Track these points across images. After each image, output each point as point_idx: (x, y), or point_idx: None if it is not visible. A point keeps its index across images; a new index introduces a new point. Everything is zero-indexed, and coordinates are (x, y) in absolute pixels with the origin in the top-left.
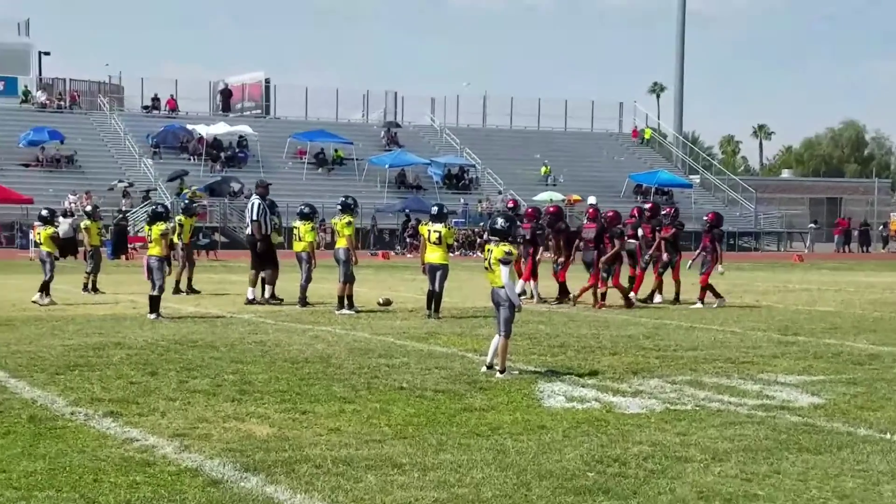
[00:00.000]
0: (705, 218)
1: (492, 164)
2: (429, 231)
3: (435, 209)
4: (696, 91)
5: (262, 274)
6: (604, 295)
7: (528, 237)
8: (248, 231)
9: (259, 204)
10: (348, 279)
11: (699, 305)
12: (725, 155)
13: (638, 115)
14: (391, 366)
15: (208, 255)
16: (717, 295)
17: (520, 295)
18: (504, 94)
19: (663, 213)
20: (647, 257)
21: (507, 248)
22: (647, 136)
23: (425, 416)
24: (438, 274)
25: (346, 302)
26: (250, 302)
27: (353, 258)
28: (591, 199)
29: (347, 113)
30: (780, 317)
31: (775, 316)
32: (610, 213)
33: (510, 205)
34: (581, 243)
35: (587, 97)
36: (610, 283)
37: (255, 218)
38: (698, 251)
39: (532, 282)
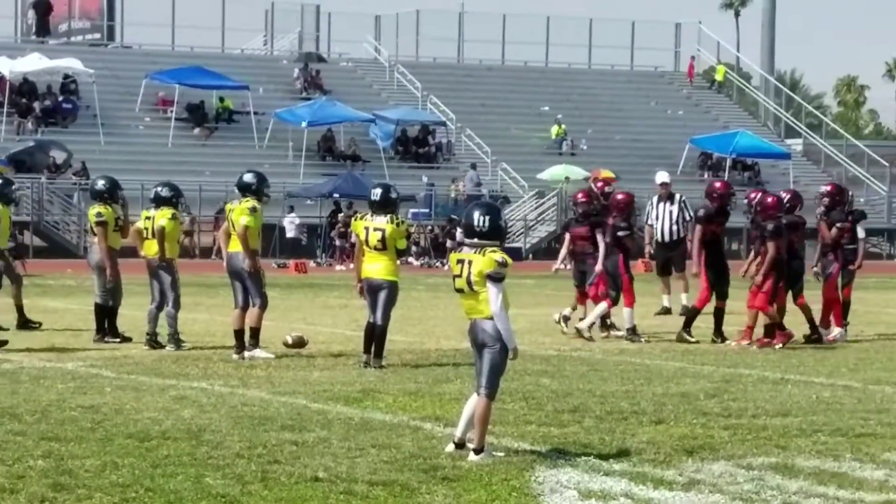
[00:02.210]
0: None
1: (473, 121)
2: (367, 229)
3: (377, 193)
4: (796, 7)
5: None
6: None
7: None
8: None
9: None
10: (265, 301)
11: (837, 334)
12: (844, 107)
13: (704, 43)
14: (301, 443)
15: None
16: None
17: (631, 333)
18: (492, 9)
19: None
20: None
21: (498, 255)
22: (719, 79)
23: None
24: (381, 297)
25: (252, 336)
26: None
27: (258, 268)
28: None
29: (239, 39)
30: None
31: None
32: (770, 200)
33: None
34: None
35: (624, 15)
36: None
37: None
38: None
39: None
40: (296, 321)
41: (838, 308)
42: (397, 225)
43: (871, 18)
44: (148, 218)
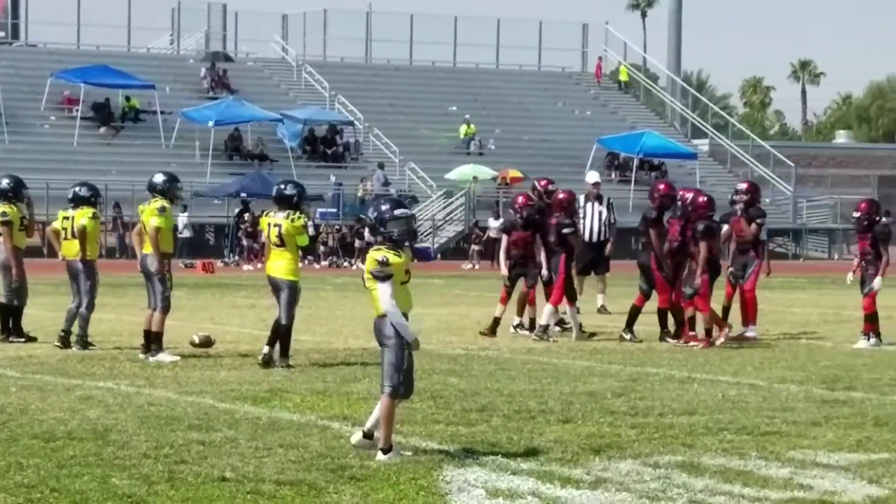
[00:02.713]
0: (857, 213)
1: (381, 120)
2: (269, 225)
3: (276, 189)
4: (702, 8)
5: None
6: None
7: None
8: None
9: None
10: (167, 304)
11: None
12: (750, 108)
13: (611, 43)
14: (208, 443)
15: None
16: (719, 324)
17: (542, 332)
18: (400, 9)
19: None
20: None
21: (379, 254)
22: (623, 79)
23: None
24: (282, 297)
25: (155, 341)
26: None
27: (165, 269)
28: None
29: (145, 38)
30: (827, 362)
31: (819, 360)
32: (701, 199)
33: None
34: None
35: (531, 15)
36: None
37: None
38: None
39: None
40: (203, 321)
41: (753, 306)
42: (292, 221)
43: (777, 20)
44: (66, 218)
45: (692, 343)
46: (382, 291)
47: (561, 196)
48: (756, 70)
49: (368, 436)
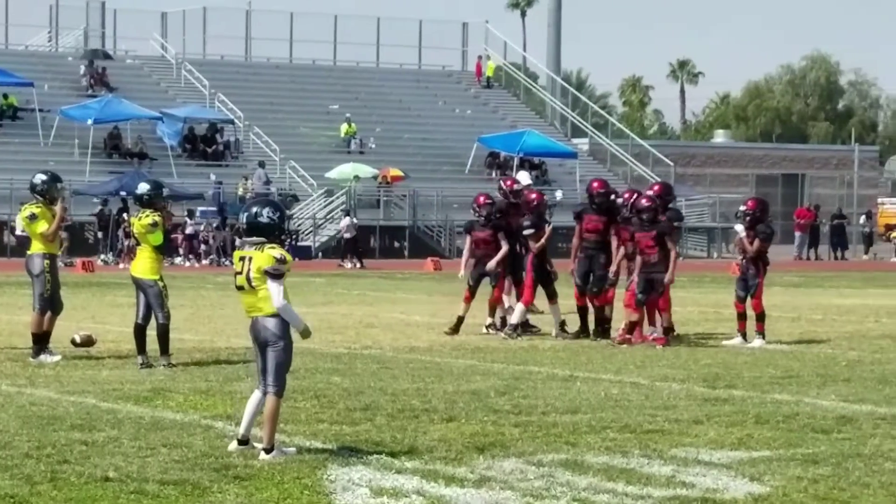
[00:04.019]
0: (743, 208)
1: (261, 119)
2: (132, 225)
3: (142, 187)
4: (582, 7)
5: None
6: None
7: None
8: None
9: None
10: (45, 305)
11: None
12: (629, 107)
13: (491, 42)
14: (91, 443)
15: None
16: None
17: (512, 330)
18: (279, 7)
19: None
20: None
21: (276, 251)
22: (489, 74)
23: None
24: (149, 296)
25: (35, 342)
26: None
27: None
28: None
29: (23, 35)
30: (708, 360)
31: (700, 359)
32: (644, 200)
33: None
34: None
35: (411, 14)
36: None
37: None
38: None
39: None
40: (84, 320)
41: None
42: (140, 219)
43: (656, 20)
44: None
45: (633, 343)
46: (276, 289)
47: (532, 196)
48: (635, 69)
49: (244, 442)
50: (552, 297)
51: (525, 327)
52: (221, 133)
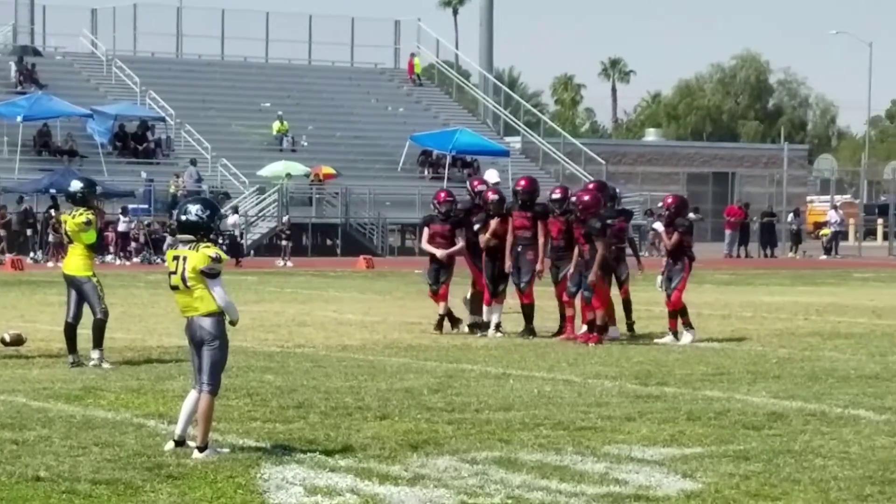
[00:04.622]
0: (661, 205)
1: (193, 116)
2: (64, 223)
3: (75, 185)
4: (514, 6)
5: None
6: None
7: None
8: None
9: None
10: None
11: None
12: (561, 106)
13: (423, 40)
14: (22, 442)
15: None
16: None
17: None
18: (211, 4)
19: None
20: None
21: (212, 251)
22: (417, 70)
23: None
24: (83, 294)
25: None
26: None
27: None
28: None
29: None
30: (640, 357)
31: (632, 356)
32: (588, 198)
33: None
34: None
35: (343, 12)
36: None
37: None
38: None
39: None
40: (13, 319)
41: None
42: (73, 217)
43: (588, 19)
44: None
45: (579, 341)
46: (219, 289)
47: (490, 195)
48: (567, 68)
49: (180, 443)
50: (497, 295)
51: (477, 326)
52: (153, 130)
